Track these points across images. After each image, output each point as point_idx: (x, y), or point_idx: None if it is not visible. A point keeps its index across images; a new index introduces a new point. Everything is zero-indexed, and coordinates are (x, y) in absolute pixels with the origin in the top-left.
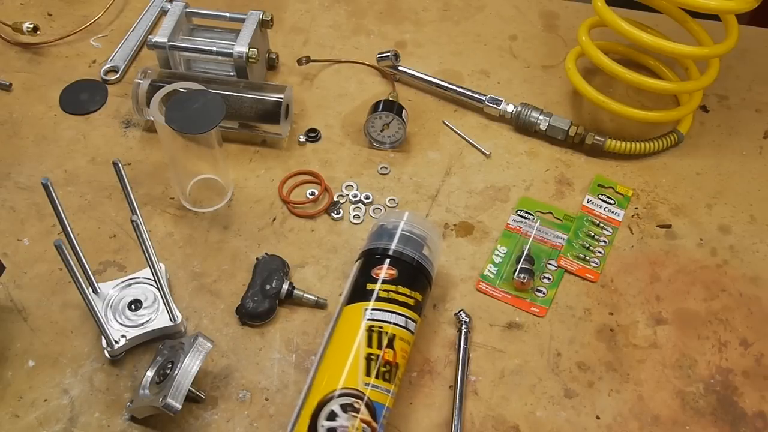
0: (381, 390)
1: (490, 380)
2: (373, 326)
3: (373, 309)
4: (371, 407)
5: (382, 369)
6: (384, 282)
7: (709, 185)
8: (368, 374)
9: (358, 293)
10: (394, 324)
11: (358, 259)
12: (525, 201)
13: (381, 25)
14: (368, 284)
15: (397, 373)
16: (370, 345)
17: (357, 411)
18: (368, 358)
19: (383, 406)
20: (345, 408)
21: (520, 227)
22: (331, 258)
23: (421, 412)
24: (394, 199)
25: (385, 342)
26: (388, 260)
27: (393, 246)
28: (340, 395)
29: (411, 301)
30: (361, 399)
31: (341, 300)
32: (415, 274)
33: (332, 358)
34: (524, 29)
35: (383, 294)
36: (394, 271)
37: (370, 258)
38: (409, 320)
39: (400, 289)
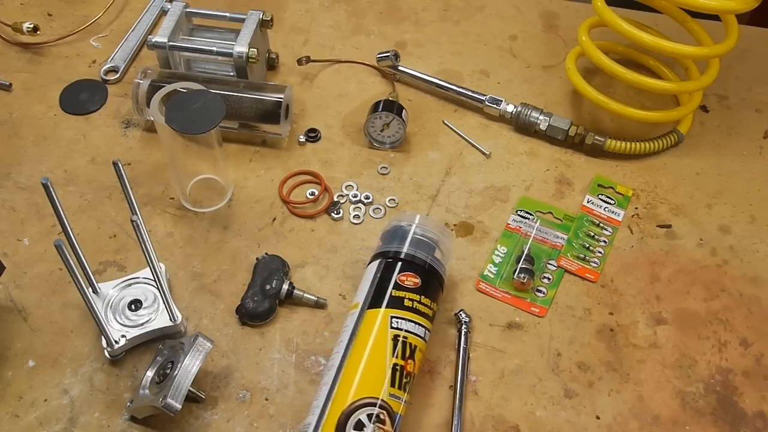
0: (399, 400)
1: (490, 380)
2: (398, 335)
3: (399, 318)
4: (392, 417)
5: (404, 380)
6: (409, 290)
7: (709, 185)
8: (392, 384)
9: (381, 298)
10: (417, 335)
11: (376, 260)
12: (525, 201)
13: (381, 25)
14: (393, 290)
15: (412, 383)
16: (395, 355)
17: (383, 422)
18: (393, 368)
19: (399, 415)
20: (371, 418)
21: (520, 227)
22: (331, 258)
23: (421, 412)
24: (394, 199)
25: (408, 353)
26: (402, 264)
27: (406, 249)
28: (367, 404)
29: (430, 312)
30: (386, 409)
31: (359, 301)
32: (432, 282)
33: (358, 364)
34: (524, 29)
35: (408, 303)
36: (418, 280)
37: (387, 261)
38: (427, 331)
39: (423, 299)
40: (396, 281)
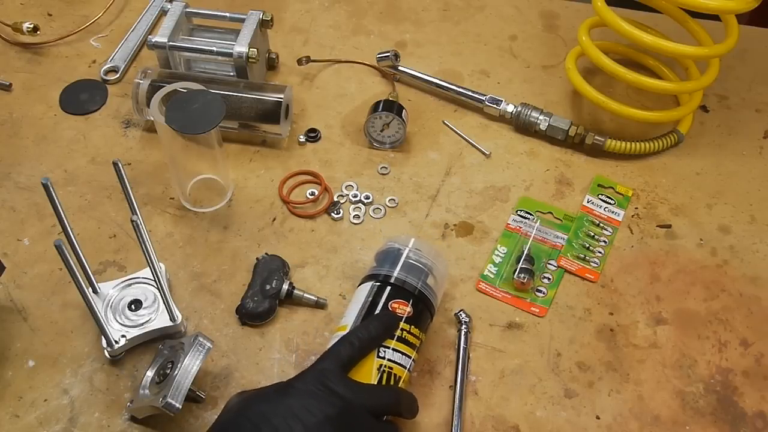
0: None
1: (490, 380)
2: (383, 366)
3: (386, 347)
4: None
5: None
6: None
7: (709, 185)
8: None
9: None
10: (402, 366)
11: (369, 281)
12: (525, 201)
13: (381, 25)
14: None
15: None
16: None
17: None
18: None
19: None
20: None
21: (520, 227)
22: (331, 258)
23: (421, 412)
24: (394, 199)
25: (392, 383)
26: (390, 289)
27: (395, 274)
28: None
29: (417, 342)
30: None
31: (348, 324)
32: (422, 311)
33: None
34: (524, 29)
35: (398, 332)
36: (410, 309)
37: (385, 286)
38: (413, 363)
39: (413, 329)
40: (388, 308)
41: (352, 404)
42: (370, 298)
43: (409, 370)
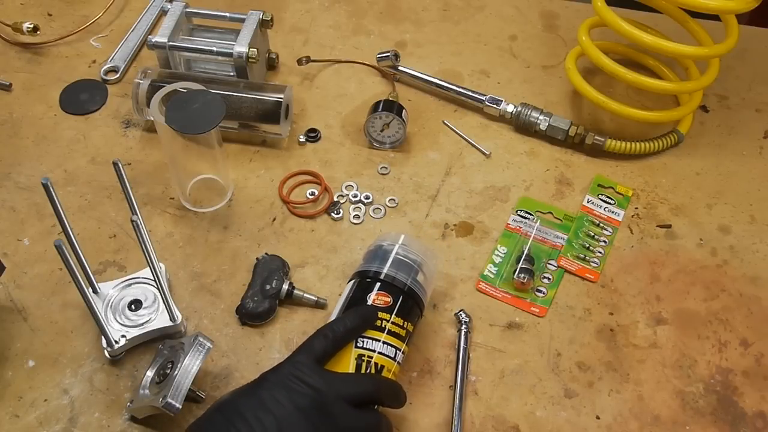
0: None
1: (490, 380)
2: (362, 355)
3: (365, 337)
4: None
5: None
6: (380, 310)
7: (709, 185)
8: None
9: None
10: (384, 355)
11: (351, 279)
12: (525, 201)
13: (381, 25)
14: None
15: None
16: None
17: None
18: None
19: None
20: None
21: (520, 227)
22: (331, 258)
23: (421, 412)
24: (394, 199)
25: (372, 372)
26: (380, 285)
27: (385, 270)
28: None
29: (402, 332)
30: None
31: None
32: (408, 303)
33: None
34: (524, 29)
35: (377, 323)
36: (389, 299)
37: (364, 281)
38: (398, 352)
39: (394, 318)
40: (365, 299)
41: (326, 394)
42: (350, 295)
43: (396, 360)
